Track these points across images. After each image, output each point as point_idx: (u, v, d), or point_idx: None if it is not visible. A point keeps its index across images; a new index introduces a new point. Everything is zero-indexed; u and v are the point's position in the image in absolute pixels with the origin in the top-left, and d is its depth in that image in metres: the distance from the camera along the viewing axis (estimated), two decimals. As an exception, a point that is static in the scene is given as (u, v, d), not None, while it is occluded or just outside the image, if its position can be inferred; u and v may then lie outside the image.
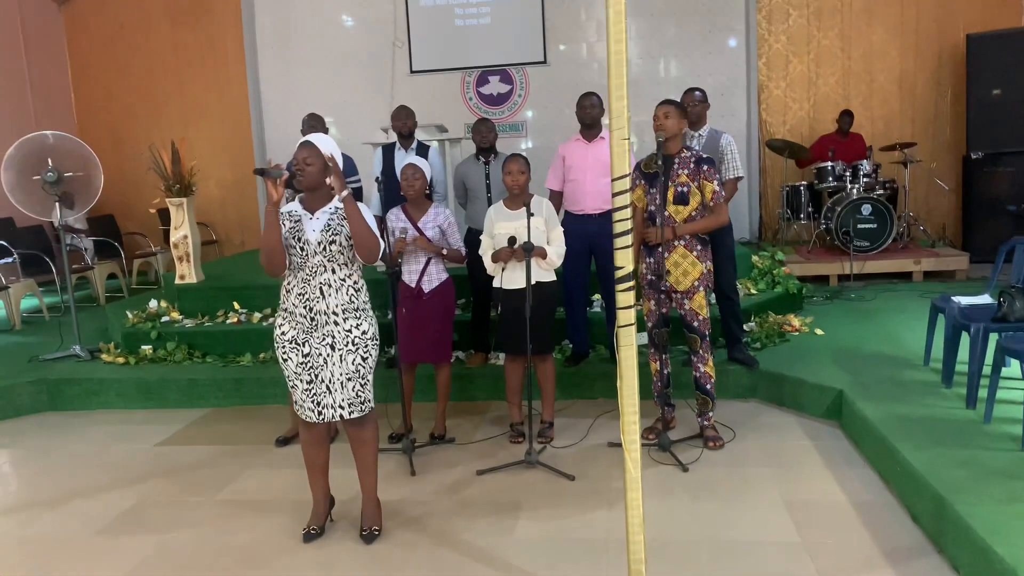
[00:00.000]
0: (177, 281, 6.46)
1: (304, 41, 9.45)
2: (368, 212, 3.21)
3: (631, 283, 2.43)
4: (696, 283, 4.05)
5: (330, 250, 3.14)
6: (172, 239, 6.45)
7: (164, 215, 9.19)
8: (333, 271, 3.16)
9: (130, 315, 6.24)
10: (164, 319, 6.17)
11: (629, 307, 2.43)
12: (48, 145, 5.98)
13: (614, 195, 2.41)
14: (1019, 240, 4.48)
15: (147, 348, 5.84)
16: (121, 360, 5.78)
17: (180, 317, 6.19)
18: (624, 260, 2.41)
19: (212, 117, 9.84)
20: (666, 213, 4.00)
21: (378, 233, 3.18)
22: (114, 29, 9.89)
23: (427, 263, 4.27)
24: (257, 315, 6.06)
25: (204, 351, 5.85)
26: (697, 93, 4.81)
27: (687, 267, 4.04)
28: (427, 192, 4.42)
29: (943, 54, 8.50)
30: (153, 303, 6.35)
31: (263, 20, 9.53)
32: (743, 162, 4.81)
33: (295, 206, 3.23)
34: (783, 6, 8.75)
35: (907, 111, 8.67)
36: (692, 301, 4.07)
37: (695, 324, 4.10)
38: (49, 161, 5.91)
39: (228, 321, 6.07)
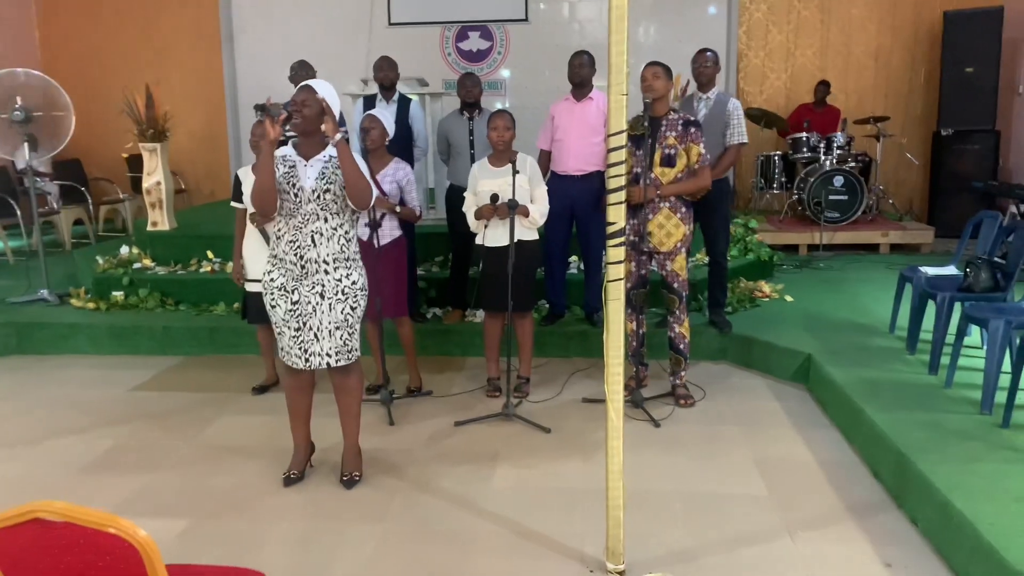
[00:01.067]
0: (149, 228, 6.38)
1: (280, -12, 9.23)
2: (362, 161, 3.20)
3: (622, 239, 2.48)
4: (679, 244, 4.13)
5: (324, 198, 3.13)
6: (144, 185, 6.34)
7: (134, 162, 9.01)
8: (326, 220, 3.15)
9: (101, 261, 6.16)
10: (136, 266, 6.09)
11: (619, 262, 2.48)
12: (18, 83, 5.81)
13: (610, 150, 2.44)
14: (986, 214, 4.62)
15: (118, 295, 5.78)
16: (92, 305, 5.72)
17: (152, 264, 6.12)
18: (616, 216, 2.45)
19: (183, 64, 9.59)
20: (652, 175, 4.05)
21: (370, 179, 3.18)
22: (82, -34, 9.56)
23: (381, 218, 4.21)
24: (231, 265, 5.99)
25: (177, 299, 5.80)
26: (709, 54, 4.75)
27: (671, 228, 4.10)
28: (397, 145, 4.33)
29: (919, 30, 8.60)
30: (124, 249, 6.27)
31: (238, -36, 9.28)
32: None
33: (289, 151, 3.21)
34: (766, -25, 8.76)
35: (881, 85, 8.79)
36: (674, 262, 4.14)
37: (675, 284, 4.18)
38: (18, 99, 5.75)
39: (202, 270, 6.02)
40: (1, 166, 8.33)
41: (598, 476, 3.36)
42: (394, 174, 4.26)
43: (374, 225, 4.08)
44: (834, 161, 7.58)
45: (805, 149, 7.77)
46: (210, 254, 6.12)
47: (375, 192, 3.25)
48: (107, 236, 8.66)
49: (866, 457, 3.54)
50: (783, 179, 8.05)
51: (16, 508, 1.35)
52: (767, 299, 5.72)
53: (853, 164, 7.65)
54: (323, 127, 3.11)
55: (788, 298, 5.73)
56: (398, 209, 4.25)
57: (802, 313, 5.35)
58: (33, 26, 9.82)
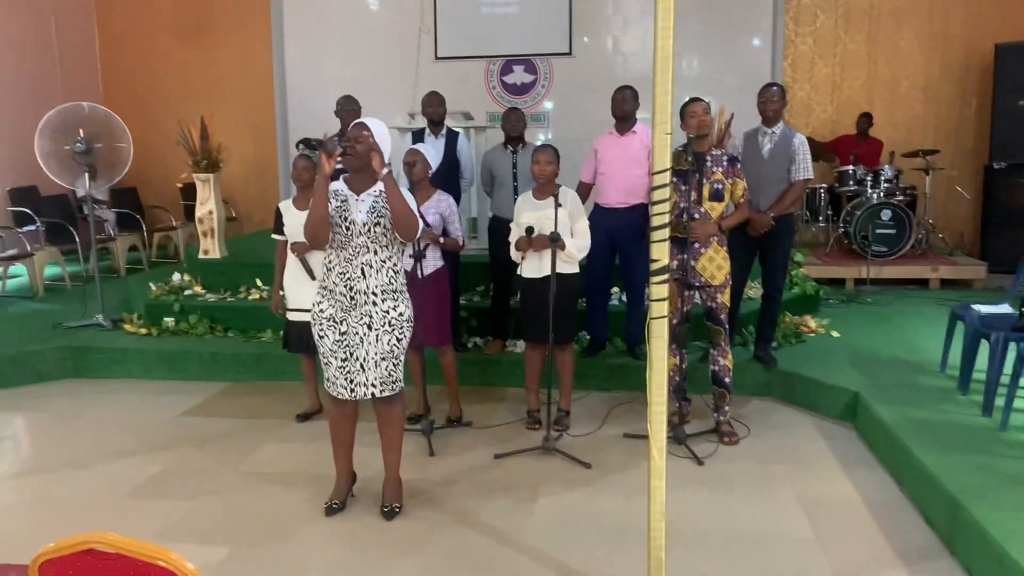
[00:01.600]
0: (200, 255, 6.54)
1: (331, 23, 9.46)
2: (408, 194, 3.27)
3: (665, 276, 2.48)
4: (727, 277, 4.15)
5: (374, 231, 3.21)
6: (197, 214, 6.52)
7: (187, 190, 9.28)
8: (375, 252, 3.22)
9: (153, 287, 6.32)
10: (187, 292, 6.25)
11: (663, 299, 2.48)
12: (82, 115, 6.05)
13: (654, 188, 2.45)
14: (1041, 251, 4.50)
15: (169, 320, 5.93)
16: (144, 331, 5.87)
17: (203, 291, 6.27)
18: (660, 253, 2.45)
19: (237, 95, 9.90)
20: (702, 209, 4.06)
21: (417, 212, 3.25)
22: (143, 4, 9.94)
23: (424, 249, 4.29)
24: (280, 293, 6.11)
25: (225, 326, 5.93)
26: (775, 88, 4.72)
27: (720, 262, 4.12)
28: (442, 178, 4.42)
29: (970, 62, 8.48)
30: (176, 276, 6.43)
31: (290, 2, 9.56)
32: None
33: (340, 186, 3.30)
34: (811, 8, 8.75)
35: (930, 118, 8.67)
36: (723, 295, 4.15)
37: (722, 317, 4.16)
38: (80, 131, 5.97)
39: (250, 297, 6.15)
40: (62, 194, 8.64)
41: (639, 513, 3.33)
42: (437, 205, 4.33)
43: (418, 256, 4.14)
44: (881, 194, 7.47)
45: (851, 182, 7.68)
46: (258, 282, 6.25)
47: (421, 224, 3.32)
48: (160, 262, 8.91)
49: (917, 500, 3.45)
50: (829, 212, 7.96)
51: (71, 539, 1.39)
52: (813, 334, 5.63)
53: (901, 197, 7.53)
54: (373, 164, 3.19)
55: (834, 333, 5.64)
56: (441, 240, 4.31)
57: (849, 349, 5.25)
58: (96, 59, 10.23)
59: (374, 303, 3.24)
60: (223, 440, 4.37)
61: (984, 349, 4.20)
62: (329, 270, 3.28)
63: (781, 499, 3.55)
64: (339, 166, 3.26)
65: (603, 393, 5.03)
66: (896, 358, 5.03)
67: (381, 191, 3.26)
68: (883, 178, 7.54)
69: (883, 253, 7.36)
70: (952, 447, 3.55)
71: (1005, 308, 4.50)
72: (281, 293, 4.54)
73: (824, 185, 7.98)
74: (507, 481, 3.80)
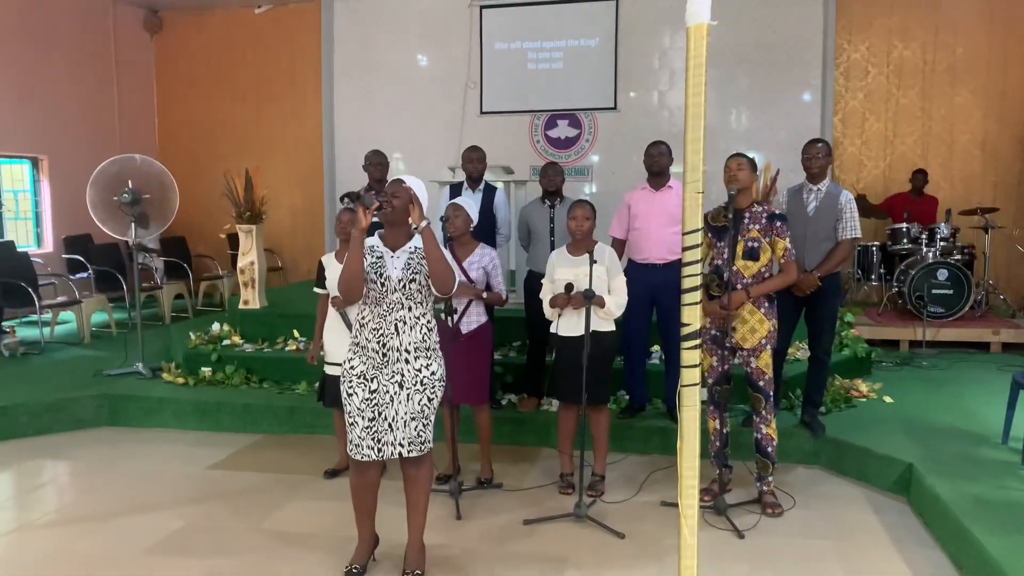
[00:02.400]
0: (241, 305, 6.59)
1: (379, 77, 9.67)
2: (449, 260, 3.24)
3: (698, 340, 2.34)
4: (763, 341, 3.93)
5: (409, 288, 3.16)
6: (239, 264, 6.59)
7: (233, 240, 9.44)
8: (410, 308, 3.17)
9: (193, 336, 6.37)
10: (225, 342, 6.27)
11: (694, 366, 2.34)
12: (133, 167, 6.20)
13: (684, 249, 2.33)
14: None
15: (207, 370, 5.94)
16: (180, 380, 5.88)
17: (241, 341, 6.29)
18: (691, 317, 2.33)
19: (287, 147, 10.13)
20: (734, 268, 3.90)
21: (455, 267, 3.19)
22: (201, 59, 10.31)
23: (468, 305, 4.25)
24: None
25: (261, 376, 5.91)
26: (820, 144, 4.58)
27: (754, 324, 3.92)
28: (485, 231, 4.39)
29: (1030, 118, 8.22)
30: (216, 326, 6.48)
31: (341, 56, 9.80)
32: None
33: (376, 242, 3.26)
34: (862, 63, 8.62)
35: (989, 175, 8.39)
36: (759, 360, 3.94)
37: (760, 383, 3.96)
38: (129, 183, 6.12)
39: (287, 348, 6.14)
40: (114, 243, 8.87)
41: (672, 593, 3.14)
42: (480, 260, 4.28)
43: (450, 311, 4.07)
44: (937, 253, 7.20)
45: (905, 240, 7.42)
46: (296, 333, 6.25)
47: (459, 277, 3.26)
48: (205, 310, 9.02)
49: (977, 587, 3.18)
50: (881, 270, 7.69)
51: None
52: (864, 399, 5.36)
53: (958, 257, 7.24)
54: (410, 218, 3.15)
55: (887, 399, 5.36)
56: (484, 295, 4.24)
57: (903, 416, 4.97)
58: (153, 113, 10.60)
59: (406, 360, 3.16)
60: (248, 496, 4.29)
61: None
62: (363, 326, 3.23)
63: (828, 580, 3.32)
64: (375, 219, 3.23)
65: (641, 457, 4.83)
66: (953, 427, 4.74)
67: (417, 248, 3.22)
68: (939, 236, 7.27)
69: (940, 314, 7.04)
70: (1016, 529, 3.28)
71: (1072, 377, 4.21)
72: (321, 344, 4.50)
73: (877, 243, 7.73)
74: (536, 550, 3.63)
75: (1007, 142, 8.31)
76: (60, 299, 7.78)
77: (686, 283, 2.34)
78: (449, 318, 4.06)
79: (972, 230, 7.86)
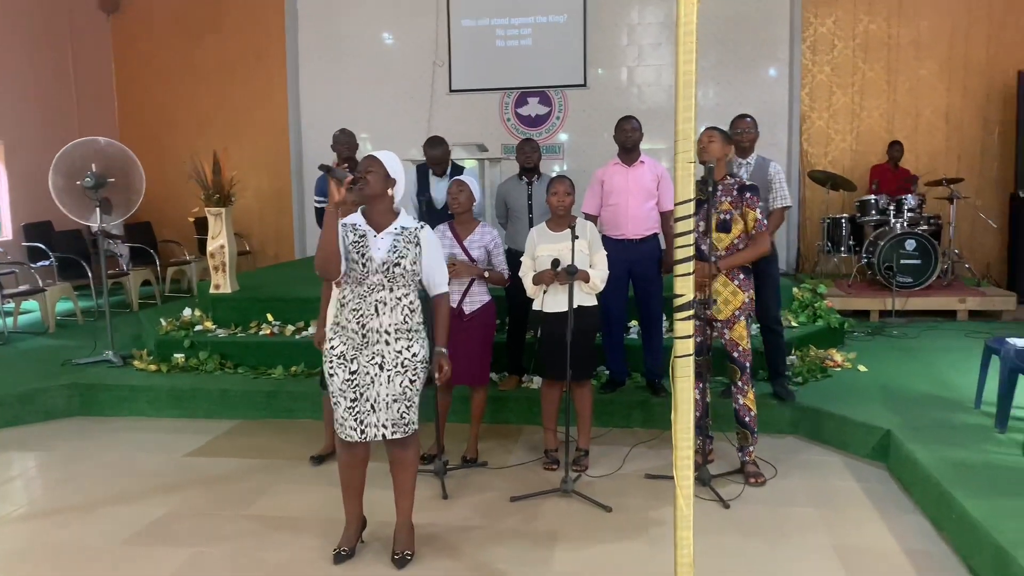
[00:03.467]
0: (212, 290, 6.46)
1: (346, 57, 9.52)
2: (437, 243, 3.27)
3: (691, 311, 2.34)
4: (737, 312, 3.96)
5: (393, 272, 3.10)
6: (209, 248, 6.45)
7: (200, 224, 9.26)
8: (391, 290, 3.11)
9: (164, 323, 6.24)
10: (197, 328, 6.16)
11: (688, 336, 2.33)
12: (97, 150, 6.02)
13: (677, 220, 2.32)
14: (1080, 282, 4.32)
15: (179, 356, 5.83)
16: (153, 367, 5.77)
17: (213, 327, 6.18)
18: (685, 287, 2.32)
19: (252, 129, 9.93)
20: (709, 240, 3.91)
21: (444, 277, 3.29)
22: (160, 40, 10.04)
23: (470, 284, 4.22)
24: (290, 328, 6.03)
25: (236, 362, 5.82)
26: (748, 119, 4.70)
27: (728, 296, 3.94)
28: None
29: (992, 90, 8.35)
30: (187, 311, 6.35)
31: (306, 35, 9.63)
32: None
33: (358, 219, 3.19)
34: (828, 37, 8.67)
35: (953, 147, 8.53)
36: (732, 331, 3.97)
37: (735, 355, 3.99)
38: (93, 166, 5.94)
39: (261, 333, 6.05)
40: (76, 229, 8.64)
41: (664, 561, 3.15)
42: (481, 239, 4.24)
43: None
44: (905, 224, 7.30)
45: (874, 212, 7.52)
46: (270, 317, 6.15)
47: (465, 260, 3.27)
48: (173, 296, 8.86)
49: (959, 549, 3.24)
50: (851, 242, 7.79)
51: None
52: (839, 368, 5.44)
53: (925, 227, 7.36)
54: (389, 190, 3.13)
55: (861, 368, 5.45)
56: (487, 274, 4.20)
57: (878, 384, 5.06)
58: (112, 95, 10.30)
59: (387, 342, 3.11)
60: (230, 482, 4.23)
61: (1021, 384, 4.01)
62: (343, 306, 3.17)
63: (815, 546, 3.36)
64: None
65: (623, 431, 4.86)
66: (927, 394, 4.83)
67: (403, 228, 3.17)
68: (906, 207, 7.37)
69: (908, 284, 7.17)
70: (995, 491, 3.35)
71: (1043, 342, 4.31)
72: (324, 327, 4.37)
73: (846, 215, 7.82)
74: (524, 526, 3.63)
75: (970, 114, 8.45)
76: (23, 288, 7.57)
77: (679, 253, 2.33)
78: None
79: (938, 200, 7.99)
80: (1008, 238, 8.18)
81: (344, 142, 5.42)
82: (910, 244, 7.19)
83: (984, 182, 8.45)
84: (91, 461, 4.60)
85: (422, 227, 3.21)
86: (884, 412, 4.49)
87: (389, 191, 3.14)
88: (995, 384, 4.25)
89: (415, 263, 3.14)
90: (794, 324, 6.01)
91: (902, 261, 7.19)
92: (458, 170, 5.36)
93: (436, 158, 5.22)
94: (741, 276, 4.00)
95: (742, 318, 3.99)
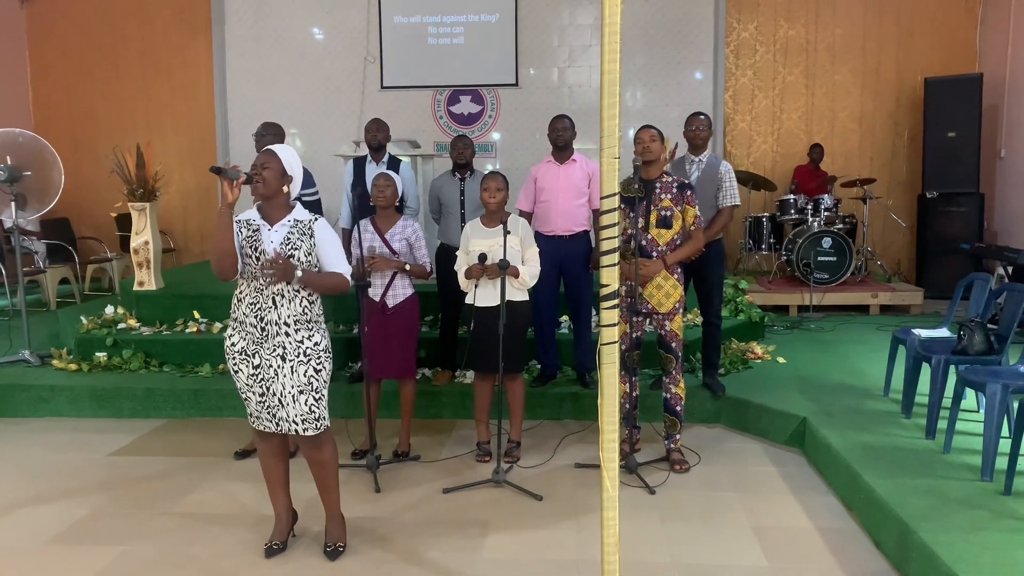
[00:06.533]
0: (136, 287, 6.29)
1: (274, 52, 9.38)
2: (332, 235, 3.20)
3: (616, 300, 2.43)
4: (677, 305, 4.11)
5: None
6: (132, 244, 6.29)
7: (121, 221, 8.99)
8: (288, 282, 3.09)
9: (85, 320, 6.05)
10: (120, 326, 5.99)
11: (613, 324, 2.43)
12: (12, 142, 5.80)
13: (602, 213, 2.42)
14: (977, 276, 4.62)
15: (102, 355, 5.67)
16: (73, 367, 5.59)
17: (137, 324, 6.02)
18: (610, 278, 2.41)
19: (176, 124, 9.68)
20: (649, 236, 4.05)
21: (344, 265, 3.20)
22: (78, 31, 9.69)
23: (392, 278, 4.24)
24: (217, 325, 5.93)
25: (161, 360, 5.69)
26: (703, 117, 4.81)
27: (668, 289, 4.09)
28: (397, 205, 4.39)
29: (901, 96, 8.80)
30: (109, 309, 6.17)
31: (233, 29, 9.44)
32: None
33: (253, 214, 3.17)
34: (751, 42, 8.98)
35: (866, 149, 8.94)
36: (673, 322, 4.11)
37: (673, 345, 4.13)
38: (8, 158, 5.73)
39: (187, 330, 5.93)
40: (-13, 225, 8.28)
41: (592, 545, 3.26)
42: (402, 231, 4.26)
43: (364, 286, 4.07)
44: (822, 223, 7.64)
45: (793, 211, 7.84)
46: (196, 314, 6.04)
47: (350, 280, 3.23)
48: (93, 295, 8.58)
49: (867, 525, 3.45)
50: (771, 240, 8.10)
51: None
52: (759, 360, 5.67)
53: (841, 226, 7.71)
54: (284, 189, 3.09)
55: (780, 359, 5.69)
56: (408, 267, 4.23)
57: (795, 375, 5.30)
58: (27, 87, 9.90)
59: (287, 334, 3.10)
60: (157, 481, 4.15)
61: (925, 373, 4.27)
62: (240, 300, 3.15)
63: (734, 527, 3.52)
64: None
65: (554, 423, 4.96)
66: (841, 383, 5.09)
67: (297, 220, 3.15)
68: (823, 207, 7.71)
69: (824, 280, 7.50)
70: (899, 471, 3.57)
71: (943, 332, 4.59)
72: None
73: (767, 214, 8.13)
74: (456, 516, 3.68)
75: (881, 118, 8.87)
76: (-70, 286, 7.23)
77: (604, 245, 2.42)
78: (362, 295, 4.06)
79: (852, 201, 8.38)
80: (916, 236, 8.63)
81: (271, 137, 5.30)
82: (826, 242, 7.52)
83: (894, 183, 8.89)
84: (7, 462, 4.45)
85: (316, 219, 3.19)
86: (801, 401, 4.71)
87: (284, 188, 3.12)
88: (902, 373, 4.51)
89: (310, 254, 3.12)
90: (717, 318, 6.21)
91: (819, 258, 7.52)
92: (395, 162, 5.38)
93: (375, 140, 5.26)
94: (679, 271, 4.16)
95: (680, 310, 4.14)
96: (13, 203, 5.78)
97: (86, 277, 8.95)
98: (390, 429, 4.64)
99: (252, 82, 9.46)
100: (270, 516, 3.42)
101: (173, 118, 9.68)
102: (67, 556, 3.33)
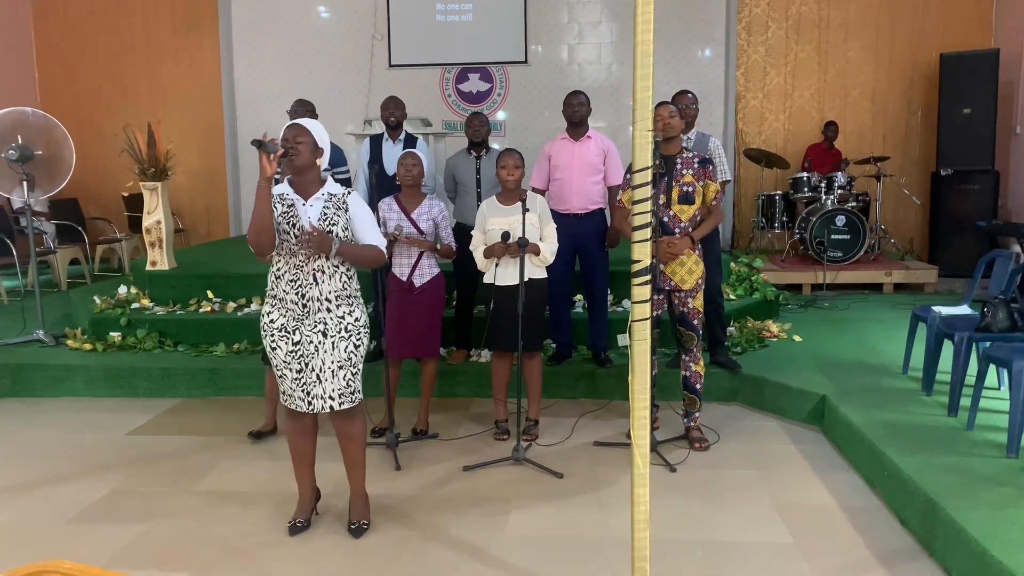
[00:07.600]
0: (148, 267, 6.27)
1: (281, 31, 9.30)
2: (366, 208, 3.20)
3: (647, 277, 2.40)
4: (699, 282, 4.08)
5: None
6: (145, 224, 6.26)
7: (131, 201, 8.96)
8: (327, 257, 3.08)
9: (98, 300, 6.04)
10: (134, 306, 5.98)
11: (645, 301, 2.40)
12: (23, 120, 5.76)
13: (634, 187, 2.38)
14: (999, 253, 4.58)
15: (116, 335, 5.66)
16: (88, 346, 5.59)
17: (151, 304, 6.01)
18: (642, 253, 2.38)
19: (183, 104, 9.62)
20: (672, 212, 4.00)
21: (379, 238, 3.20)
22: (83, 10, 9.61)
23: (419, 257, 4.22)
24: (231, 304, 5.91)
25: (175, 340, 5.69)
26: (690, 95, 4.81)
27: (691, 266, 4.05)
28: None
29: (915, 73, 8.70)
30: (123, 289, 6.16)
31: (239, 7, 9.35)
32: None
33: (286, 189, 3.15)
34: (763, 18, 8.87)
35: (879, 126, 8.85)
36: (695, 299, 4.08)
37: (695, 322, 4.10)
38: (19, 137, 5.69)
39: (201, 310, 5.91)
40: (-3, 206, 8.26)
41: (614, 524, 3.27)
42: (429, 211, 4.24)
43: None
44: (835, 201, 7.58)
45: (806, 189, 7.78)
46: (210, 294, 6.02)
47: (384, 250, 3.23)
48: (103, 276, 8.56)
49: (890, 503, 3.43)
50: (784, 219, 8.05)
51: (24, 568, 1.24)
52: (775, 339, 5.65)
53: (854, 204, 7.65)
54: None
55: (796, 338, 5.66)
56: (438, 247, 4.20)
57: (812, 353, 5.27)
58: (32, 66, 9.83)
59: (328, 309, 3.10)
60: (175, 460, 4.15)
61: (946, 350, 4.24)
62: (278, 278, 3.13)
63: (757, 505, 3.51)
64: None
65: (570, 401, 4.95)
66: (858, 361, 5.06)
67: (332, 194, 3.14)
68: (836, 184, 7.65)
69: (838, 259, 7.46)
70: (922, 448, 3.56)
71: (965, 310, 4.56)
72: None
73: (779, 192, 8.07)
74: (477, 494, 3.68)
75: (895, 96, 8.78)
76: (-59, 267, 7.22)
77: (636, 220, 2.39)
78: (387, 273, 4.06)
79: (865, 178, 8.31)
80: (929, 214, 8.56)
81: (303, 113, 5.29)
82: (840, 220, 7.46)
83: (908, 161, 8.81)
84: (27, 442, 4.46)
85: (349, 193, 3.18)
86: (818, 379, 4.69)
87: (317, 161, 3.11)
88: (921, 350, 4.48)
89: (347, 229, 3.12)
90: (732, 297, 6.19)
91: (832, 237, 7.47)
92: (412, 140, 5.34)
93: (392, 117, 5.23)
94: (700, 248, 4.12)
95: (702, 287, 4.11)
96: (24, 183, 5.75)
97: (96, 258, 8.93)
98: (407, 407, 4.63)
99: (258, 62, 9.39)
100: (290, 494, 3.42)
101: (179, 98, 9.62)
102: (90, 535, 3.33)
